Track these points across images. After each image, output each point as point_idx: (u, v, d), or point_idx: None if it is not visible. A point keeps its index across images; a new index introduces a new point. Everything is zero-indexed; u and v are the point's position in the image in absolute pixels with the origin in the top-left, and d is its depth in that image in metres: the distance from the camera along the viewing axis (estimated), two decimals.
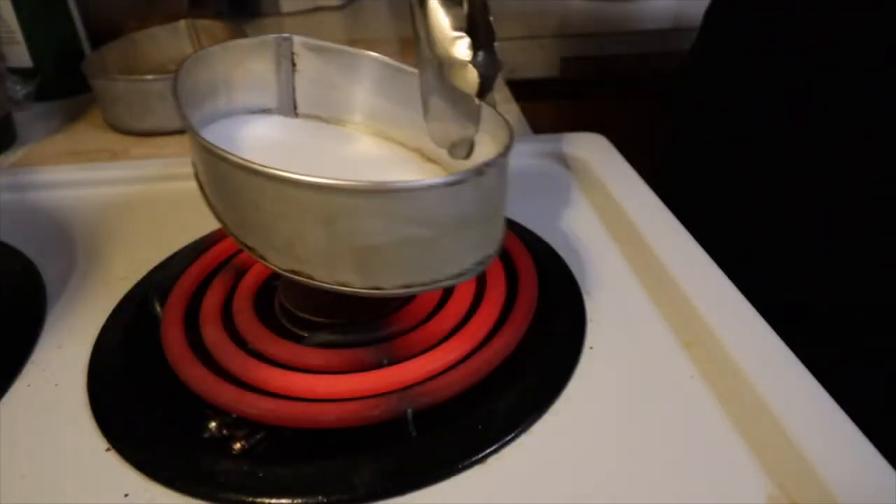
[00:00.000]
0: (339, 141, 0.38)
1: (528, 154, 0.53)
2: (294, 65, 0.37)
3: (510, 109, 0.66)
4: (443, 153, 0.37)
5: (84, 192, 0.50)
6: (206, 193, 0.31)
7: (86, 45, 0.72)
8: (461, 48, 0.31)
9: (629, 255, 0.41)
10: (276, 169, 0.25)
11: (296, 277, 0.28)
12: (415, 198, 0.26)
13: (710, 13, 0.57)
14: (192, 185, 0.33)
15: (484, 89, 0.31)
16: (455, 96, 0.33)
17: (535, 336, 0.34)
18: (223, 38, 0.72)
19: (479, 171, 0.27)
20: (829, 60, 0.43)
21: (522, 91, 0.77)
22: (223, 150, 0.26)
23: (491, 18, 0.30)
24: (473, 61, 0.31)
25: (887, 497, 0.24)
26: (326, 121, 0.40)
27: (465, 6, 0.31)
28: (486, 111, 0.33)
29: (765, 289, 0.36)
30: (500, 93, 0.70)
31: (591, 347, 0.34)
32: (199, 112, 0.34)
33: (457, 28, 0.31)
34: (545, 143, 0.54)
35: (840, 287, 0.46)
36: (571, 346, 0.34)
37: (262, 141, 0.36)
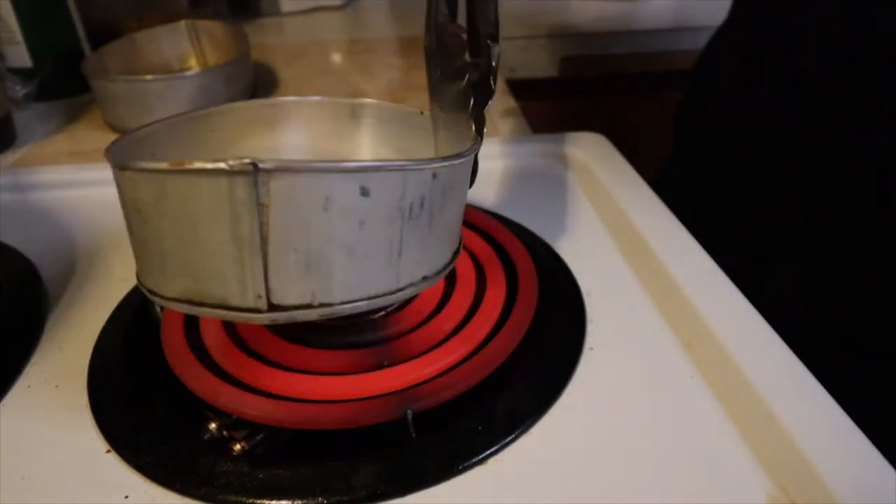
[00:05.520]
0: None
1: (528, 154, 0.53)
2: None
3: (510, 109, 0.66)
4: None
5: (84, 192, 0.50)
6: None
7: (86, 45, 0.72)
8: (461, 103, 0.31)
9: (629, 255, 0.41)
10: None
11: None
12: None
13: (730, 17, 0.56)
14: None
15: (478, 106, 0.31)
16: (457, 117, 0.32)
17: (535, 336, 0.34)
18: (223, 39, 0.72)
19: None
20: (836, 66, 0.43)
21: (522, 91, 0.76)
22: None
23: (495, 63, 0.30)
24: (471, 84, 0.30)
25: (887, 497, 0.24)
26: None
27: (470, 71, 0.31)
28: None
29: (764, 288, 0.36)
30: (501, 93, 0.70)
31: (591, 348, 0.34)
32: None
33: (460, 56, 0.31)
34: (545, 143, 0.54)
35: (839, 286, 0.46)
36: (571, 346, 0.34)
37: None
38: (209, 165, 0.20)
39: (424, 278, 0.26)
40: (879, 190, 0.42)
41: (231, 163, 0.20)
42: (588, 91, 0.89)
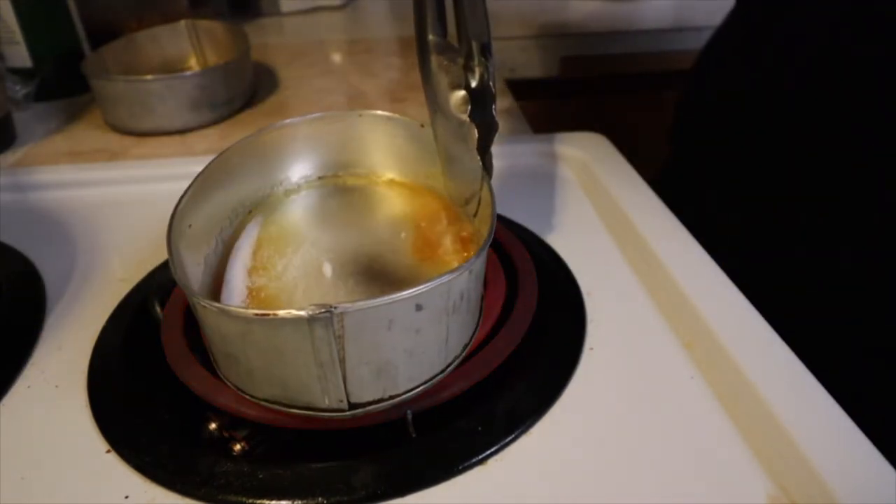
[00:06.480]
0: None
1: (528, 154, 0.53)
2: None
3: (510, 109, 0.66)
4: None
5: (84, 192, 0.50)
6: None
7: (86, 45, 0.72)
8: (460, 107, 0.31)
9: (629, 255, 0.41)
10: None
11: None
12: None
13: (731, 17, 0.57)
14: None
15: (481, 148, 0.31)
16: (462, 148, 0.32)
17: (535, 336, 0.34)
18: (223, 39, 0.72)
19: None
20: (838, 67, 0.43)
21: (522, 91, 0.76)
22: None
23: (492, 83, 0.30)
24: (472, 119, 0.31)
25: (887, 497, 0.24)
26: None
27: (465, 72, 0.31)
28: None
29: (764, 288, 0.36)
30: (500, 92, 0.70)
31: (591, 348, 0.34)
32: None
33: (456, 85, 0.31)
34: (545, 143, 0.54)
35: (839, 286, 0.46)
36: (571, 346, 0.34)
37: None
38: (291, 315, 0.23)
39: (464, 347, 0.30)
40: (879, 190, 0.42)
41: (310, 311, 0.23)
42: (588, 91, 0.89)
